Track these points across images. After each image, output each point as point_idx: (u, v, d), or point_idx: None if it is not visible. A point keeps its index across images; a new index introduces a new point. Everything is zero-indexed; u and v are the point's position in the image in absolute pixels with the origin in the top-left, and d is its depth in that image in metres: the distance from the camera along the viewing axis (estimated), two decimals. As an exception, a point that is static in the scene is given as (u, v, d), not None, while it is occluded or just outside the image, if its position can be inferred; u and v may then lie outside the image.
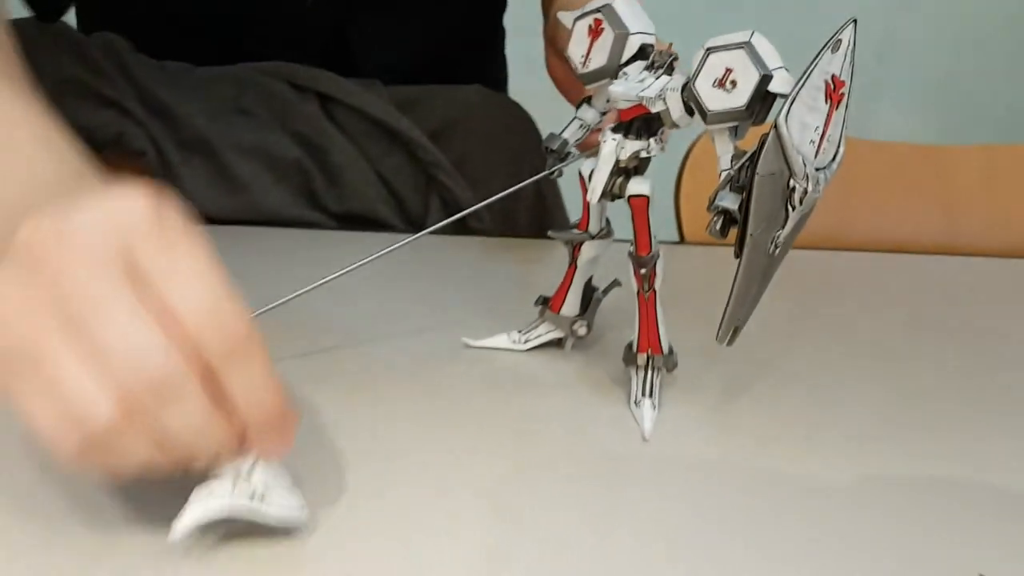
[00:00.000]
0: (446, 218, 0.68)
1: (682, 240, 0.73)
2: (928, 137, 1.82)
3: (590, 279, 0.48)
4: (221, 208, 0.61)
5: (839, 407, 0.46)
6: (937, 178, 0.80)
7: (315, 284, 0.42)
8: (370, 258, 0.43)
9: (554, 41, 0.62)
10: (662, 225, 0.71)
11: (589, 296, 0.48)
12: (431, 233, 0.46)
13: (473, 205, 0.67)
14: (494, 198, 0.45)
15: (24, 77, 0.40)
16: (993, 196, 0.80)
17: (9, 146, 0.35)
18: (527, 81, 0.78)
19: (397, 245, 0.43)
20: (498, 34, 0.81)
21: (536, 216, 0.70)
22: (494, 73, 0.81)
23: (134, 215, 0.28)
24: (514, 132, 0.71)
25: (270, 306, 0.42)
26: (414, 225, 0.69)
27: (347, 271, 0.43)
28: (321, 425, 0.40)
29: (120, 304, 0.27)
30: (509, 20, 0.82)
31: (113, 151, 0.60)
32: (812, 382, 0.49)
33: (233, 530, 0.31)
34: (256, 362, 0.29)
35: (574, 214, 0.46)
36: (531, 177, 0.45)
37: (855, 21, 0.36)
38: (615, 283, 0.48)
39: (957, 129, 1.80)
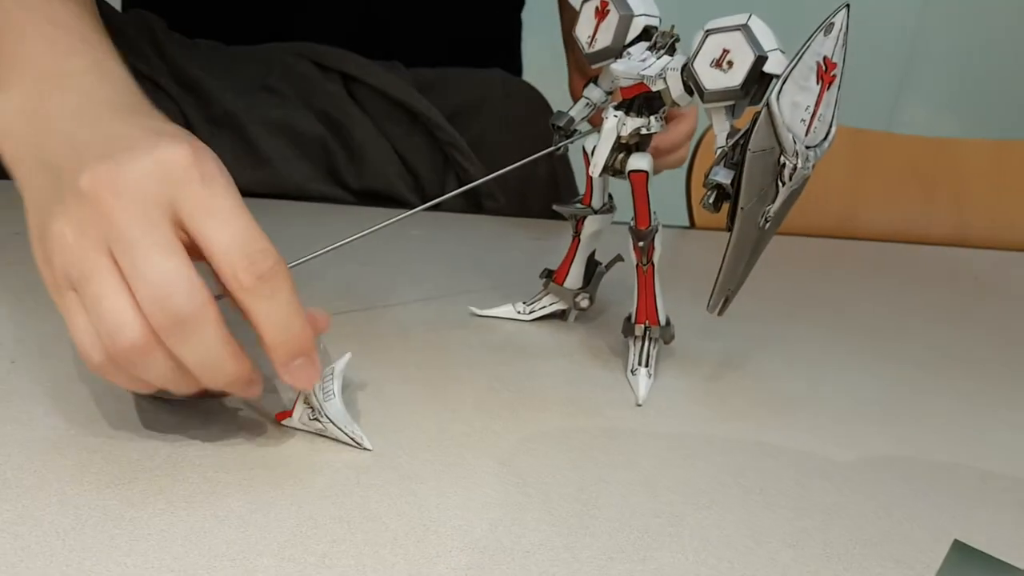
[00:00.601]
0: (460, 195, 0.70)
1: (692, 225, 0.75)
2: (954, 133, 1.80)
3: (593, 254, 0.49)
4: (246, 181, 0.62)
5: (832, 385, 0.48)
6: (948, 171, 0.81)
7: (330, 247, 0.44)
8: (382, 224, 0.45)
9: (581, 67, 0.65)
10: (673, 211, 0.73)
11: (592, 270, 0.50)
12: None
13: (487, 183, 0.70)
14: (503, 170, 0.47)
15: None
16: (1003, 190, 0.80)
17: (67, 74, 0.37)
18: (538, 77, 0.80)
19: (410, 213, 0.45)
20: (516, 29, 0.83)
21: (549, 200, 0.72)
22: (510, 67, 0.83)
23: (178, 164, 0.32)
24: (531, 116, 0.73)
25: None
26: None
27: (360, 236, 0.45)
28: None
29: (157, 243, 0.31)
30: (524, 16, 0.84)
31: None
32: (807, 361, 0.50)
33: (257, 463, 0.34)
34: (282, 295, 0.32)
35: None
36: (537, 153, 0.46)
37: (847, 6, 0.37)
38: (617, 258, 0.50)
39: (984, 127, 1.79)
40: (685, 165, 0.75)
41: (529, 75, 0.85)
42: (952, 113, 1.84)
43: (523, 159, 0.68)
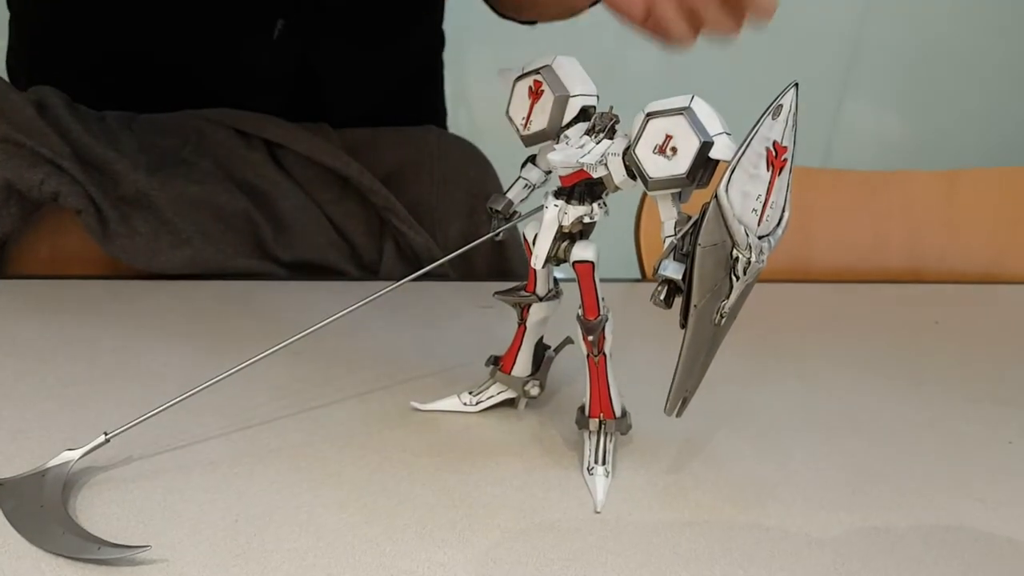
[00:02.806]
0: (400, 262, 0.67)
1: (644, 278, 0.72)
2: (898, 132, 1.83)
3: (541, 338, 0.46)
4: (165, 263, 0.59)
5: (798, 461, 0.45)
6: (899, 205, 0.80)
7: (258, 356, 0.41)
8: (321, 324, 0.41)
9: None
10: (624, 265, 0.71)
11: (541, 355, 0.47)
12: (390, 280, 0.45)
13: (428, 247, 0.66)
14: (445, 259, 0.44)
15: None
16: (954, 221, 0.80)
17: None
18: (461, 114, 0.78)
19: (350, 309, 0.42)
20: (441, 68, 0.81)
21: (494, 260, 0.69)
22: (439, 106, 0.80)
23: None
24: (468, 171, 0.70)
25: (211, 381, 0.40)
26: (367, 271, 0.67)
27: (297, 339, 0.41)
28: (264, 510, 0.38)
29: None
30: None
31: (51, 208, 0.59)
32: (772, 436, 0.48)
33: None
34: None
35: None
36: (479, 239, 0.44)
37: (796, 85, 0.35)
38: (567, 341, 0.47)
39: (926, 125, 1.81)
40: (633, 215, 0.73)
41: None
42: (895, 112, 1.86)
43: (465, 217, 0.64)
